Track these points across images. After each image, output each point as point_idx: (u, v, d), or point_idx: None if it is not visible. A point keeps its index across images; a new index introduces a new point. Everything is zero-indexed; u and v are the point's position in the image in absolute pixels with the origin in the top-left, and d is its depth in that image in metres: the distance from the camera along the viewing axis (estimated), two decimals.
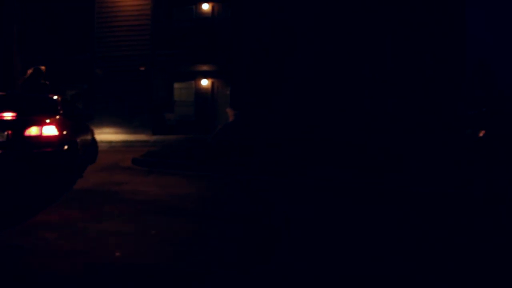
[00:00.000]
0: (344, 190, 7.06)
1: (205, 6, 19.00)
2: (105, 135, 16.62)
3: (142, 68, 18.25)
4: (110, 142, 15.33)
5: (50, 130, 6.39)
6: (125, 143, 15.69)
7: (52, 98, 7.43)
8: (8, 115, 6.43)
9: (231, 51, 16.82)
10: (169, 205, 5.71)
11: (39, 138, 6.29)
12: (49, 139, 6.35)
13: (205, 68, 19.26)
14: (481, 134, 9.79)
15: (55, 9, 19.72)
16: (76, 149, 7.17)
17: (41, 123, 6.35)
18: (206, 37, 18.27)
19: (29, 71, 9.37)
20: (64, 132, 6.69)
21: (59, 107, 7.18)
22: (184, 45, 18.22)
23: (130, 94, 18.38)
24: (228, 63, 17.51)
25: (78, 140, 7.48)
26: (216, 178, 8.14)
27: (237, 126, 15.66)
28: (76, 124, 7.79)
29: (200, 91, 20.20)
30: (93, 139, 9.66)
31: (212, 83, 20.09)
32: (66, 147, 6.61)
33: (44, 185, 6.92)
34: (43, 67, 9.47)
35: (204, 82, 20.01)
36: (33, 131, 6.28)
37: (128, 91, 18.41)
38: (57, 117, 6.80)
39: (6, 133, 6.17)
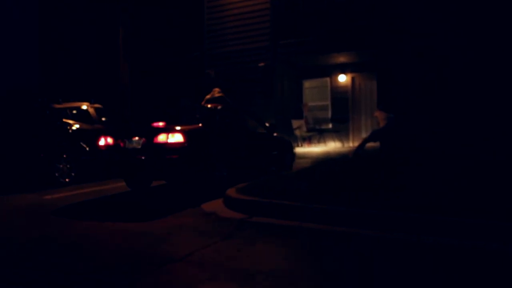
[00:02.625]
0: None
1: None
2: None
3: (262, 64, 14.68)
4: None
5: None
6: None
7: None
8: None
9: (382, 35, 12.51)
10: None
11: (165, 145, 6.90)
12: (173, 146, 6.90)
13: (342, 59, 15.09)
14: None
15: (159, 7, 17.15)
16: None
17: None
18: (343, 18, 14.10)
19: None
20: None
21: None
22: (314, 31, 14.28)
23: (248, 98, 14.94)
24: (376, 51, 13.18)
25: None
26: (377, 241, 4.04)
27: (395, 136, 11.26)
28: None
29: (337, 90, 16.07)
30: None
31: (353, 79, 15.83)
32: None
33: None
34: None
35: (342, 79, 15.84)
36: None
37: (244, 93, 14.99)
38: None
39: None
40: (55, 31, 20.21)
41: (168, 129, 7.02)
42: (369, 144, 11.56)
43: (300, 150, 14.30)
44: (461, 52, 11.13)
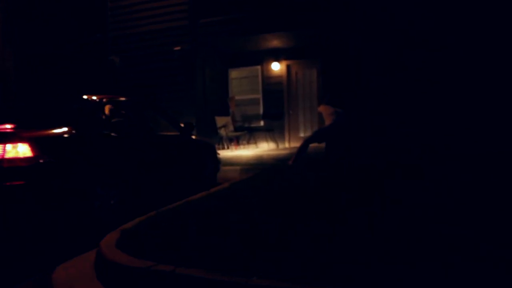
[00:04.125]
0: None
1: None
2: None
3: (178, 48, 12.05)
4: None
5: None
6: None
7: None
8: None
9: (328, 8, 10.28)
10: None
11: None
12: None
13: (276, 43, 12.76)
14: None
15: None
16: None
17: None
18: None
19: None
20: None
21: None
22: (240, 7, 11.84)
23: (160, 91, 12.30)
24: (320, 30, 10.99)
25: None
26: None
27: (346, 136, 9.10)
28: None
29: (270, 81, 13.76)
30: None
31: (288, 68, 13.57)
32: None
33: None
34: None
35: (276, 67, 13.53)
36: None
37: (157, 85, 12.33)
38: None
39: None
40: None
41: (7, 137, 4.32)
42: (312, 145, 9.33)
43: (227, 153, 11.85)
44: (439, 30, 9.14)
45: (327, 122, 9.24)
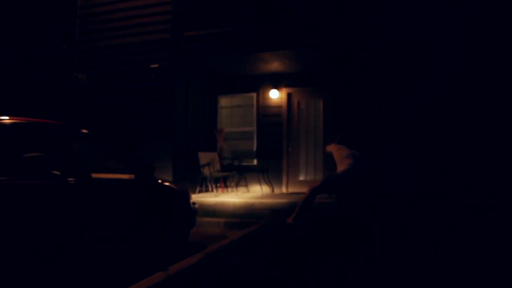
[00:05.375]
0: None
1: None
2: None
3: (155, 66, 9.89)
4: None
5: None
6: None
7: None
8: None
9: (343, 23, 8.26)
10: None
11: None
12: None
13: (275, 66, 10.62)
14: None
15: None
16: None
17: None
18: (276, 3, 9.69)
19: None
20: None
21: None
22: (232, 19, 9.76)
23: (133, 118, 10.11)
24: (334, 48, 8.97)
25: None
26: None
27: (366, 187, 6.91)
28: None
29: (266, 112, 11.58)
30: None
31: (289, 97, 11.41)
32: None
33: None
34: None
35: (274, 95, 11.37)
36: None
37: (130, 111, 10.14)
38: None
39: None
40: None
41: None
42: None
43: (210, 198, 9.55)
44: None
45: (341, 167, 7.02)
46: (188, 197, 6.48)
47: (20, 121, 4.15)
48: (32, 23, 11.71)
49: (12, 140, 4.16)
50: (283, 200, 9.11)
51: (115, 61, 10.36)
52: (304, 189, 7.67)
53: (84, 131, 5.18)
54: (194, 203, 6.66)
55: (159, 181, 6.07)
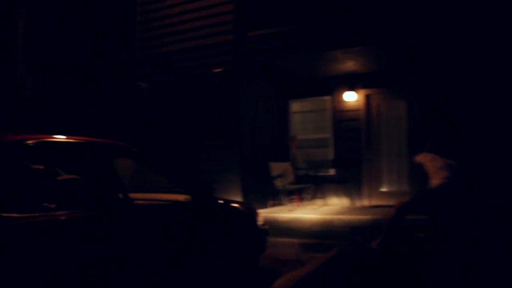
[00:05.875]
0: None
1: None
2: None
3: (218, 70, 9.15)
4: None
5: None
6: None
7: None
8: None
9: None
10: None
11: None
12: None
13: (350, 65, 9.58)
14: None
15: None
16: None
17: None
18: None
19: None
20: None
21: None
22: (306, 15, 8.83)
23: (196, 127, 9.43)
24: (420, 43, 7.88)
25: None
26: None
27: (467, 204, 5.78)
28: None
29: (343, 116, 10.54)
30: None
31: (367, 99, 10.31)
32: None
33: None
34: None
35: (351, 97, 10.31)
36: None
37: (193, 119, 9.47)
38: None
39: None
40: None
41: None
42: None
43: (283, 214, 8.61)
44: None
45: (435, 180, 5.89)
46: (255, 218, 5.62)
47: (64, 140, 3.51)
48: (96, 34, 11.47)
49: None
50: (365, 217, 8.03)
51: (176, 68, 9.74)
52: (387, 201, 6.62)
53: (135, 149, 4.47)
54: (264, 224, 5.80)
55: (221, 201, 5.27)
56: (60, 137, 3.58)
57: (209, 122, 9.29)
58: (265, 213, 8.24)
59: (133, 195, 3.97)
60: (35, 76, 11.55)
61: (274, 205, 9.77)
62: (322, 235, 7.43)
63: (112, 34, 11.24)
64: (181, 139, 9.49)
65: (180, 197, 4.64)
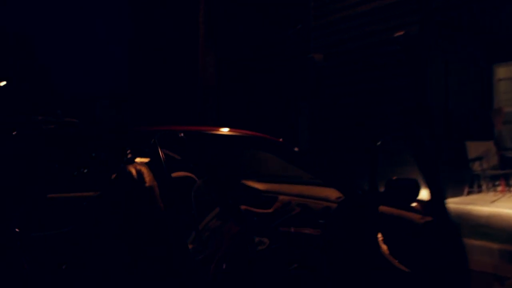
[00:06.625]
0: None
1: None
2: None
3: (400, 34, 7.75)
4: None
5: None
6: None
7: None
8: None
9: None
10: None
11: None
12: None
13: None
14: None
15: None
16: None
17: None
18: None
19: None
20: None
21: None
22: None
23: (374, 101, 8.24)
24: None
25: None
26: None
27: None
28: None
29: None
30: None
31: None
32: None
33: None
34: None
35: None
36: None
37: (372, 93, 8.30)
38: None
39: None
40: (141, 33, 16.54)
41: None
42: None
43: (481, 208, 6.96)
44: None
45: None
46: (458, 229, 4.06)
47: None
48: (270, 11, 11.17)
49: None
50: None
51: (353, 35, 8.67)
52: None
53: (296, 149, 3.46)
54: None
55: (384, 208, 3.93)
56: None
57: (391, 95, 8.04)
58: (456, 204, 6.75)
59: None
60: (214, 69, 11.86)
61: (469, 193, 8.10)
62: None
63: (283, 11, 10.81)
64: (361, 116, 8.44)
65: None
